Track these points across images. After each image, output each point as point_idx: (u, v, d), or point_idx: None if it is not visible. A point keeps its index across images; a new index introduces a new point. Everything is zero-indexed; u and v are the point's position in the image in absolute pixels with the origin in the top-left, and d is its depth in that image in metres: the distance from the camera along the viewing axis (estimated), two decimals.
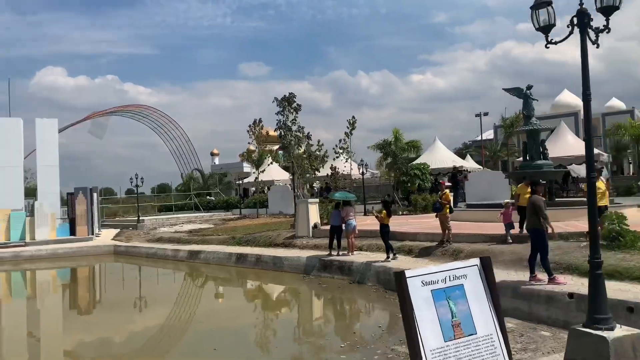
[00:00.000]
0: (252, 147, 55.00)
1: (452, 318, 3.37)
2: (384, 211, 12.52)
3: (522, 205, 11.20)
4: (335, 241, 13.96)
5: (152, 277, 17.92)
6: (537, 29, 4.65)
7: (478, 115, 32.58)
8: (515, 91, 18.03)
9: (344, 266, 12.94)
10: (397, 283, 3.30)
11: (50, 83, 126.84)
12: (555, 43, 4.79)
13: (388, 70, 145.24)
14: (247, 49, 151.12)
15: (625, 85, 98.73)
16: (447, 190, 12.90)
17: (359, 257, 13.14)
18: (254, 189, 38.56)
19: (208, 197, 38.59)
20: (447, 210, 12.36)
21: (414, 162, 29.81)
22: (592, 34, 4.60)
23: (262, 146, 31.13)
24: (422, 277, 3.40)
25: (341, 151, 29.10)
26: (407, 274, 3.35)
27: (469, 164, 36.17)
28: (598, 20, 4.57)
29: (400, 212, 24.64)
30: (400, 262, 12.01)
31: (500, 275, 9.43)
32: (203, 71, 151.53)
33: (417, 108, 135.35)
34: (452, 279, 3.48)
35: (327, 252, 14.12)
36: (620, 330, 4.08)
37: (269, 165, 34.23)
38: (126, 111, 38.46)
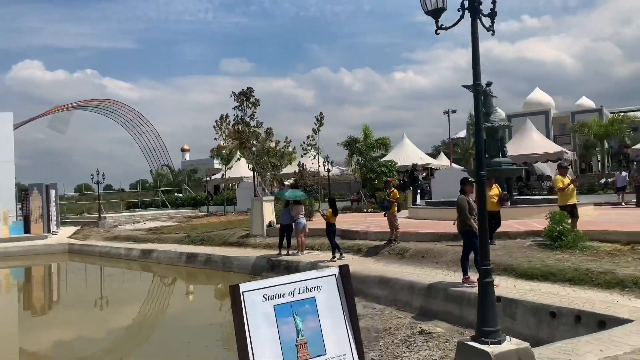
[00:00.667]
0: (222, 144, 54.32)
1: (298, 337, 2.97)
2: (330, 209, 12.14)
3: (491, 209, 10.07)
4: (285, 240, 13.57)
5: (97, 277, 17.20)
6: (426, 13, 4.29)
7: (447, 112, 32.50)
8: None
9: (290, 266, 12.53)
10: (231, 298, 2.89)
11: (27, 77, 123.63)
12: (446, 28, 4.44)
13: (371, 68, 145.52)
14: (229, 44, 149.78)
15: (600, 84, 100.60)
16: (395, 189, 12.54)
17: (307, 257, 12.75)
18: (224, 185, 37.94)
19: (176, 194, 37.78)
20: (395, 209, 12.05)
21: (381, 160, 29.61)
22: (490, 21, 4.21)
23: (231, 142, 30.54)
24: (265, 290, 2.99)
25: (309, 148, 28.84)
26: (244, 287, 2.94)
27: (441, 161, 36.14)
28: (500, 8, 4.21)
29: (365, 210, 24.39)
30: (345, 261, 11.63)
31: (437, 275, 9.19)
32: (184, 66, 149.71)
33: (399, 106, 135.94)
34: (302, 291, 3.08)
35: (277, 252, 13.72)
36: (508, 344, 3.76)
37: (236, 161, 33.66)
38: (91, 106, 37.33)
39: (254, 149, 18.97)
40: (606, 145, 37.80)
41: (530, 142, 26.14)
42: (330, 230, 11.99)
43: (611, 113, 43.63)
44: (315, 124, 28.13)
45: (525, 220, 14.13)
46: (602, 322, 5.62)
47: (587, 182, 24.38)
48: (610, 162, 39.75)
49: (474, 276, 8.08)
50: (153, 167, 44.65)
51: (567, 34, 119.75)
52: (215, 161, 42.17)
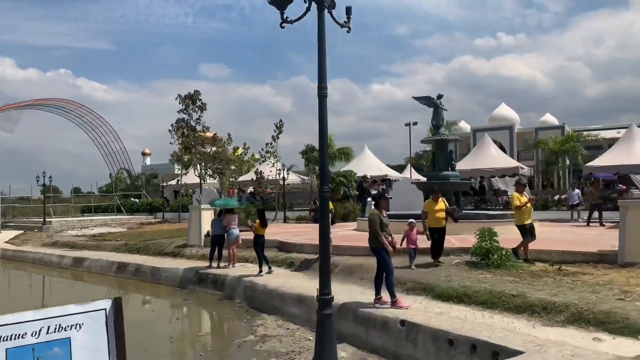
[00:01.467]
0: (179, 148, 53.16)
1: None
2: (258, 221, 11.54)
3: (432, 226, 9.55)
4: (216, 252, 12.89)
5: (17, 286, 16.12)
6: (270, 3, 3.80)
7: (408, 124, 32.42)
8: (425, 100, 17.60)
9: (217, 280, 11.86)
10: None
11: None
12: (292, 22, 3.98)
13: (349, 79, 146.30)
14: (209, 49, 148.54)
15: (571, 102, 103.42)
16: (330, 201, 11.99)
17: (237, 271, 12.09)
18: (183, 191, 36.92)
19: (132, 199, 36.54)
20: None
21: (341, 170, 29.19)
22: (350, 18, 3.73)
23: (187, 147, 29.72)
24: None
25: (268, 155, 28.21)
26: None
27: (405, 174, 35.96)
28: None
29: (315, 221, 23.84)
30: (274, 276, 11.05)
31: (356, 294, 8.66)
32: (162, 70, 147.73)
33: (377, 117, 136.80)
34: (54, 330, 2.48)
35: (208, 264, 13.02)
36: None
37: (192, 167, 32.74)
38: (46, 105, 35.82)
39: (198, 155, 18.26)
40: (567, 162, 38.38)
41: (488, 156, 26.15)
42: (258, 242, 11.38)
43: (575, 131, 44.48)
44: (275, 131, 27.61)
45: (467, 236, 13.80)
46: (496, 353, 5.18)
47: (542, 199, 24.44)
48: (571, 179, 40.37)
49: (386, 296, 7.61)
50: (113, 170, 43.25)
51: (541, 53, 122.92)
52: (176, 166, 41.12)
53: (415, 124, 32.32)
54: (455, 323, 6.25)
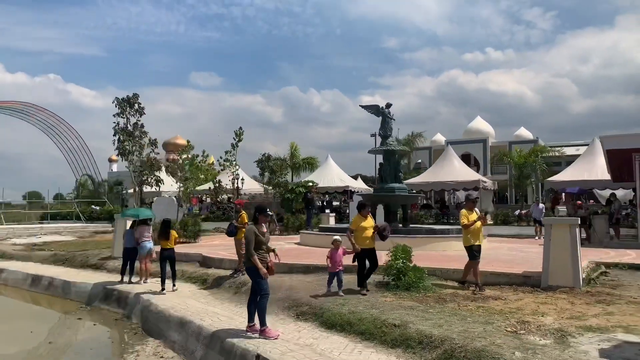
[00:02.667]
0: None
1: None
2: (158, 234, 10.60)
3: (364, 246, 8.32)
4: (129, 266, 11.92)
5: None
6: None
7: (373, 135, 31.71)
8: (373, 109, 16.91)
9: (121, 297, 10.88)
10: None
11: None
12: None
13: (339, 90, 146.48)
14: (200, 58, 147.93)
15: (558, 118, 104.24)
16: (244, 212, 11.10)
17: (143, 287, 11.12)
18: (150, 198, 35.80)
19: (93, 206, 35.32)
20: (243, 235, 10.62)
21: (303, 180, 28.39)
22: None
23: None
24: None
25: (226, 163, 27.33)
26: None
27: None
28: None
29: (272, 232, 22.94)
30: (175, 295, 10.10)
31: (239, 319, 7.70)
32: (152, 77, 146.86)
33: (366, 128, 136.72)
34: None
35: (120, 279, 12.03)
36: None
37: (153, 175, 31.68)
38: (2, 107, 34.50)
39: (134, 161, 17.33)
40: (540, 176, 37.96)
41: (450, 169, 25.49)
42: (163, 256, 10.46)
43: (553, 147, 44.12)
44: (234, 139, 26.83)
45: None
46: None
47: (502, 214, 23.81)
48: (544, 193, 39.95)
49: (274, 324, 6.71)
50: (78, 176, 41.97)
51: (529, 68, 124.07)
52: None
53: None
54: (314, 358, 5.38)
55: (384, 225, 8.96)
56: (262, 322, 6.42)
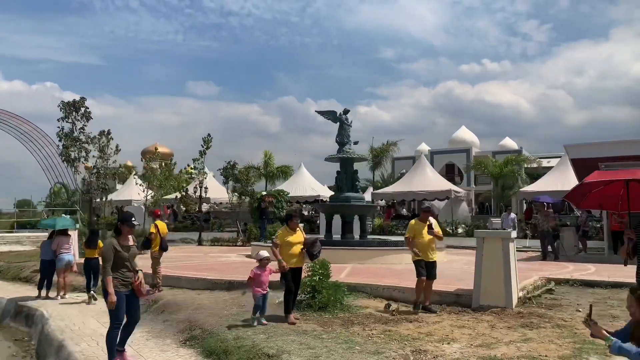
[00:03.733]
0: (129, 163, 50.98)
1: None
2: (84, 242, 9.84)
3: (291, 265, 7.09)
4: (46, 280, 11.07)
5: None
6: None
7: (356, 142, 31.07)
8: (330, 115, 16.21)
9: (29, 315, 10.00)
10: None
11: None
12: None
13: (336, 100, 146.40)
14: (197, 67, 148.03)
15: (553, 130, 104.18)
16: (159, 221, 10.27)
17: (57, 302, 10.28)
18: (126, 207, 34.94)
19: (63, 215, 34.34)
20: (157, 248, 9.82)
21: (275, 189, 27.61)
22: None
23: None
24: None
25: (194, 171, 26.50)
26: None
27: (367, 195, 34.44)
28: None
29: (235, 243, 22.09)
30: (83, 312, 9.29)
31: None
32: (150, 86, 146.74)
33: (362, 138, 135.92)
34: None
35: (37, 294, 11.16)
36: None
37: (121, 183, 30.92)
38: None
39: (79, 168, 16.52)
40: (522, 187, 37.29)
41: (423, 178, 24.75)
42: (90, 266, 9.74)
43: (540, 158, 43.43)
44: (202, 146, 26.01)
45: (356, 265, 12.20)
46: None
47: (474, 225, 23.05)
48: (526, 204, 39.21)
49: (132, 350, 5.88)
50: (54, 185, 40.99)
51: (525, 80, 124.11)
52: (117, 182, 39.12)
53: (356, 143, 30.84)
54: None
55: (312, 239, 7.53)
56: (122, 345, 5.58)
